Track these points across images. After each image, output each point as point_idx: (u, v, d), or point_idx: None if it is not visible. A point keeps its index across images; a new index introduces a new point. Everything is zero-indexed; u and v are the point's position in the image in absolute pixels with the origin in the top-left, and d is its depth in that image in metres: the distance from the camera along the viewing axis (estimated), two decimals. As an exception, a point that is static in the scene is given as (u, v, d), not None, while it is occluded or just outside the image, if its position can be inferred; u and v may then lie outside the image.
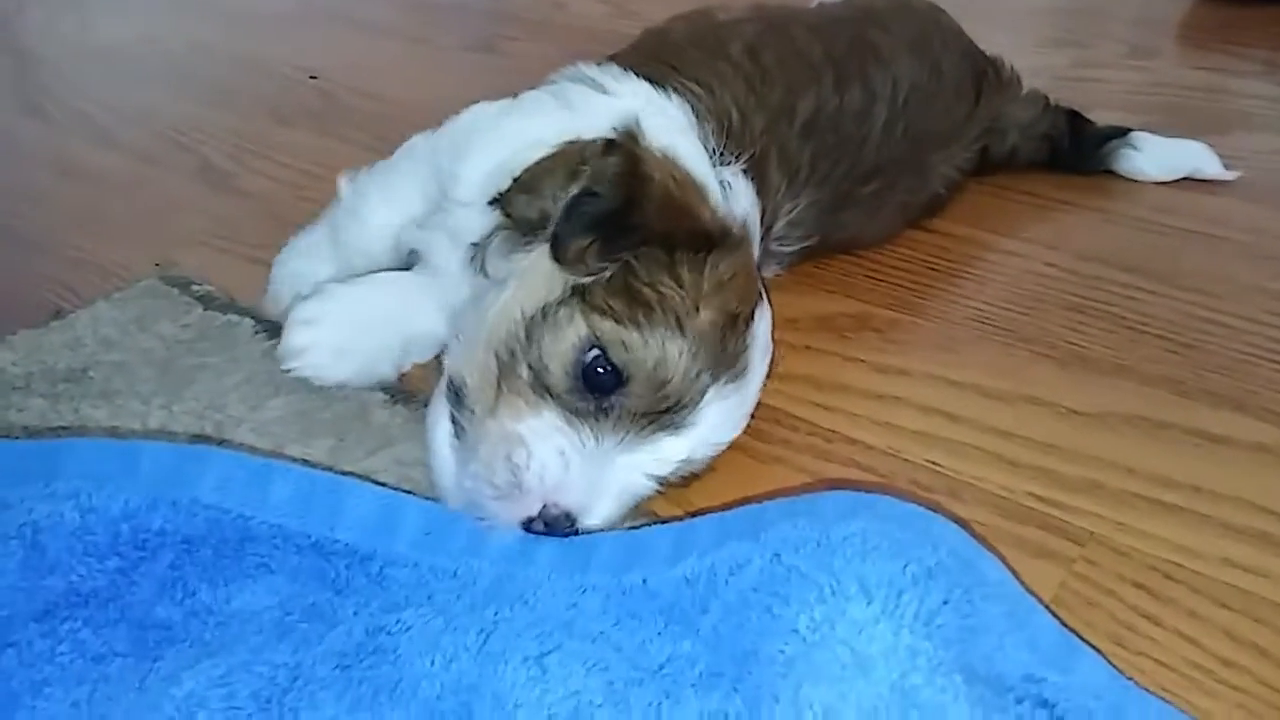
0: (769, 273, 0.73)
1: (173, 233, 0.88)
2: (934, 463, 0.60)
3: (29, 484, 0.48)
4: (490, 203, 0.57)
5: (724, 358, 0.53)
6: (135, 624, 0.46)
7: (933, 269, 0.80)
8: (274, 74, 1.24)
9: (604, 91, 0.65)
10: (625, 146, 0.56)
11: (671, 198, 0.55)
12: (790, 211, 0.71)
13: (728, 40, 0.72)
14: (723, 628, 0.45)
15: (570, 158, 0.57)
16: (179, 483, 0.49)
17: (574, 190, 0.55)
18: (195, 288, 0.78)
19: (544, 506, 0.50)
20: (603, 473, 0.51)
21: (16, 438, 0.60)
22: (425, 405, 0.58)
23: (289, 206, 0.90)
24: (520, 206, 0.57)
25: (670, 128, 0.61)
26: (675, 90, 0.65)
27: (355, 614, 0.47)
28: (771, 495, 0.53)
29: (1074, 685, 0.43)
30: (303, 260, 0.72)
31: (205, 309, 0.76)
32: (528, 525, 0.50)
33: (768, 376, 0.57)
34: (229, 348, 0.71)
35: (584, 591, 0.49)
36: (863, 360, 0.69)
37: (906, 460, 0.60)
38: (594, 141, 0.57)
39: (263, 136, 1.07)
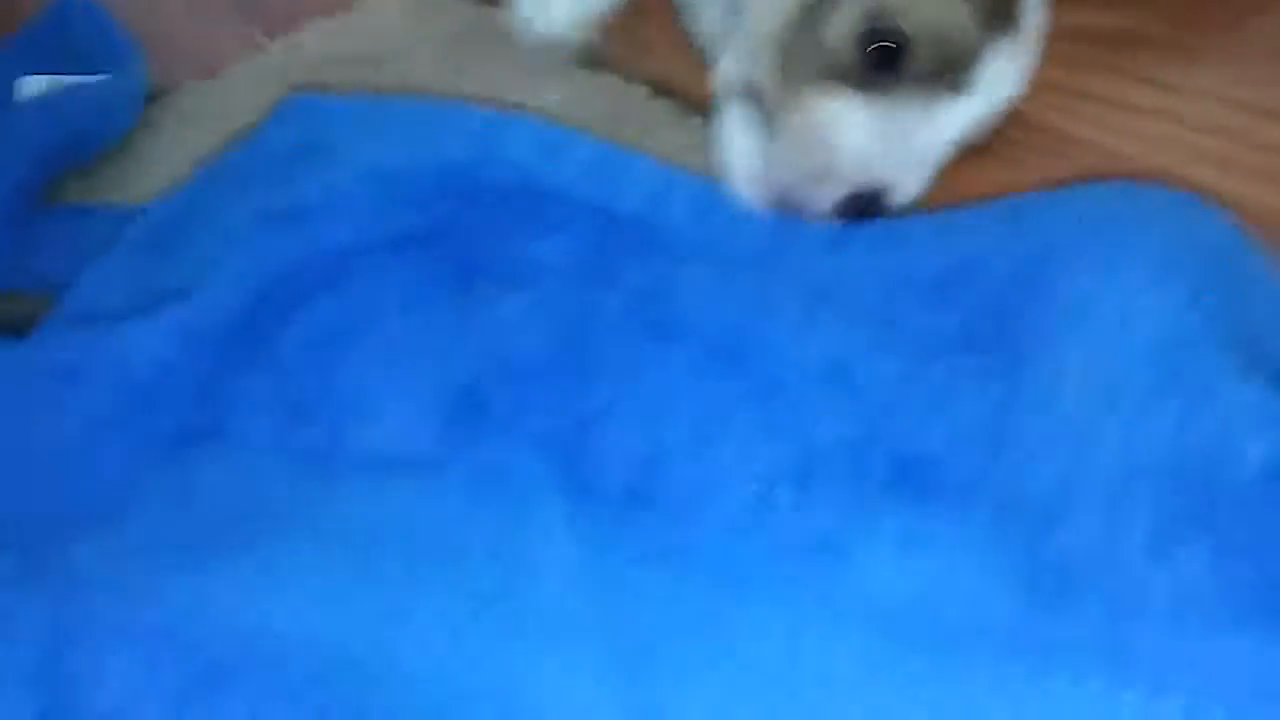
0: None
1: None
2: (1206, 184, 0.58)
3: (373, 133, 0.55)
4: None
5: (999, 9, 0.53)
6: (457, 261, 0.54)
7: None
8: None
9: None
10: None
11: None
12: None
13: None
14: (983, 305, 0.48)
15: None
16: (497, 142, 0.55)
17: None
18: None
19: (857, 185, 0.52)
20: (905, 144, 0.52)
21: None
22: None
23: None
24: None
25: None
26: None
27: (640, 268, 0.53)
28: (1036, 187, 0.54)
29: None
30: None
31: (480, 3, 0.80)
32: (843, 209, 0.53)
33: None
34: (497, 42, 0.75)
35: (844, 269, 0.53)
36: (1133, 75, 0.66)
37: (1176, 176, 0.59)
38: None
39: None
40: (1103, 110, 0.64)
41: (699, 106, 0.63)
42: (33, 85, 0.75)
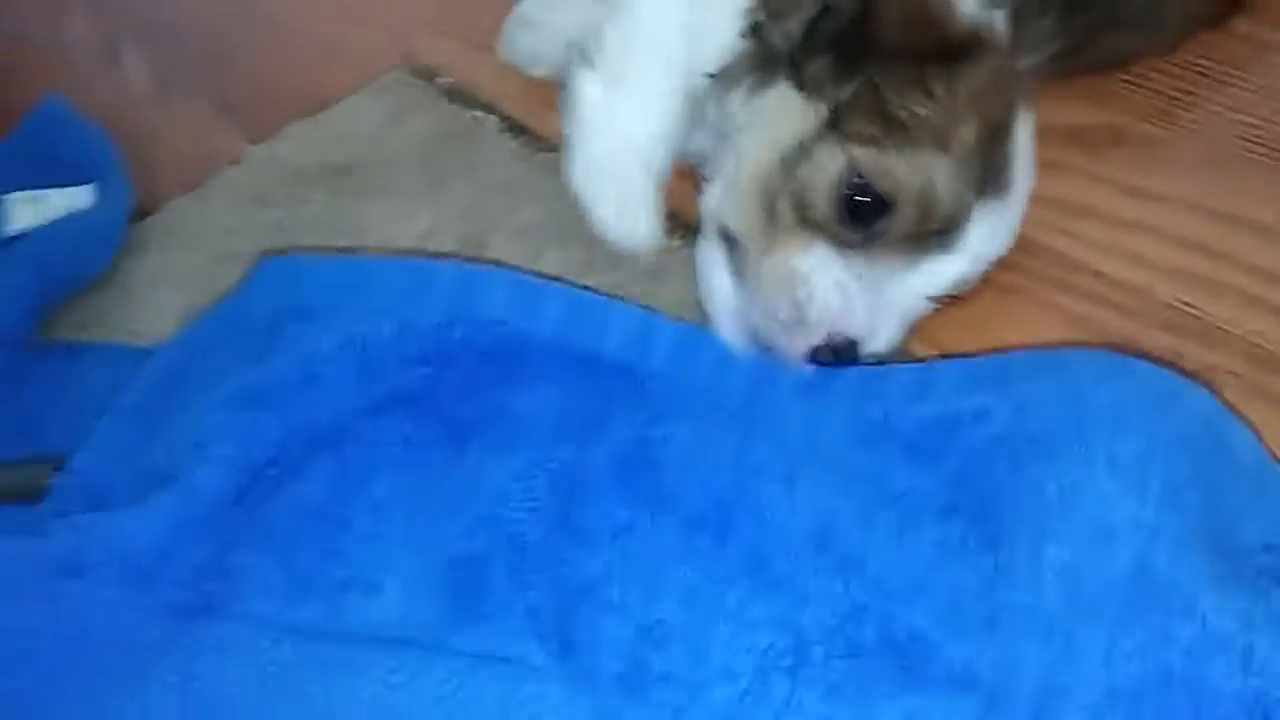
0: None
1: (411, 17, 0.91)
2: (1186, 303, 0.59)
3: (350, 297, 0.55)
4: (743, 33, 0.57)
5: (989, 171, 0.53)
6: (444, 419, 0.54)
7: (1202, 73, 0.73)
8: None
9: None
10: None
11: (911, 6, 0.53)
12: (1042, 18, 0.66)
13: None
14: (964, 471, 0.49)
15: None
16: (471, 300, 0.55)
17: (813, 10, 0.54)
18: (440, 80, 0.82)
19: (828, 335, 0.52)
20: (880, 298, 0.53)
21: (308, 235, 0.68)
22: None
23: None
24: (769, 33, 0.56)
25: None
26: None
27: (624, 421, 0.53)
28: (1019, 342, 0.54)
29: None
30: (600, 164, 0.64)
31: (450, 103, 0.80)
32: (814, 355, 0.53)
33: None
34: (478, 146, 0.75)
35: (824, 418, 0.53)
36: (1114, 180, 0.66)
37: (1155, 298, 0.59)
38: None
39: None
40: (1081, 222, 0.64)
41: (684, 223, 0.64)
42: (20, 203, 0.75)
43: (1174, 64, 0.74)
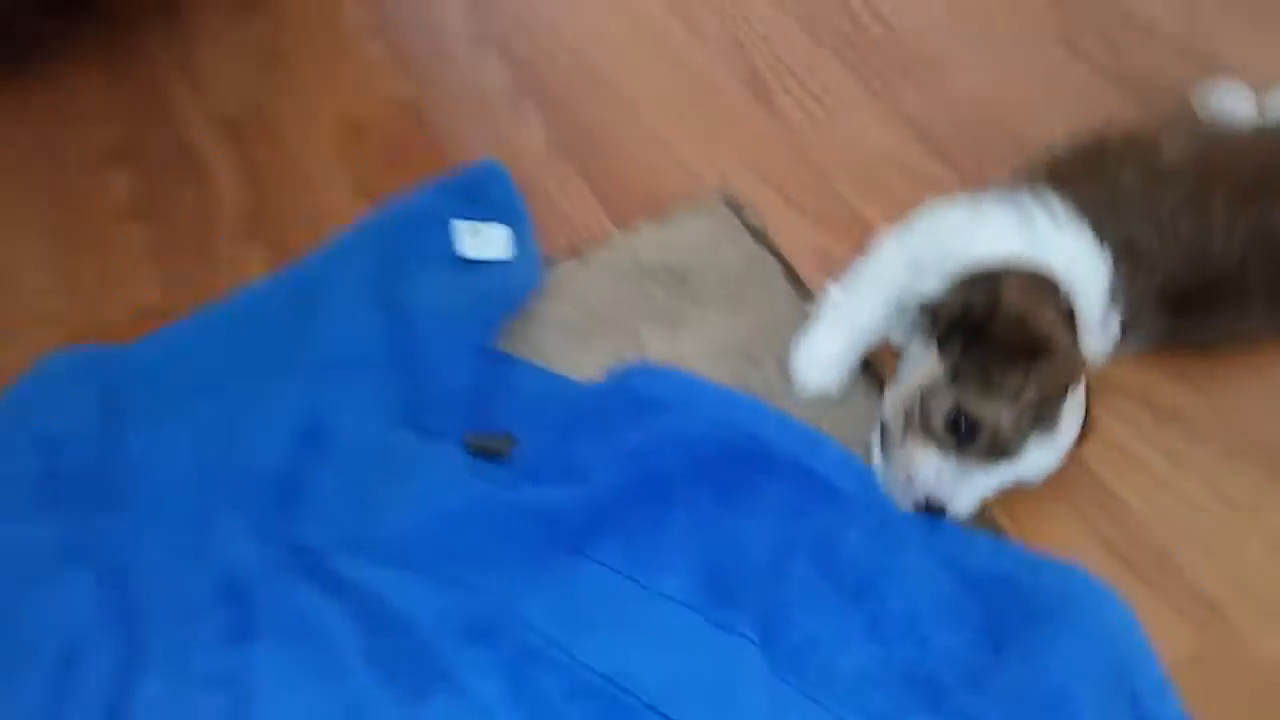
0: (1128, 350, 1.03)
1: (728, 143, 1.27)
2: (1201, 589, 0.92)
3: (690, 395, 0.96)
4: (925, 306, 0.93)
5: (1042, 421, 0.88)
6: (719, 487, 0.94)
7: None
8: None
9: (1057, 228, 0.94)
10: (1011, 278, 0.89)
11: (1020, 323, 0.87)
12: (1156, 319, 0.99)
13: (1163, 198, 0.97)
14: (988, 630, 0.86)
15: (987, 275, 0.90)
16: (744, 417, 0.95)
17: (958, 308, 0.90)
18: (748, 216, 1.20)
19: (928, 499, 0.91)
20: (961, 483, 0.90)
21: (648, 320, 1.08)
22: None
23: (817, 148, 1.26)
24: (935, 308, 0.92)
25: (1085, 280, 0.92)
26: (1108, 244, 0.93)
27: (844, 519, 0.92)
28: (1057, 538, 0.92)
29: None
30: (820, 344, 1.02)
31: (754, 240, 1.18)
32: (917, 508, 0.92)
33: (1082, 437, 0.92)
34: (765, 284, 1.13)
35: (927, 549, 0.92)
36: (1157, 444, 1.00)
37: (1178, 568, 0.92)
38: (1011, 265, 0.90)
39: (798, 51, 1.40)
40: (1129, 468, 0.99)
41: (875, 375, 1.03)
42: (465, 230, 1.17)
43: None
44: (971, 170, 1.21)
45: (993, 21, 1.41)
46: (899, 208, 1.07)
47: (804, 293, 1.11)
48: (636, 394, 0.97)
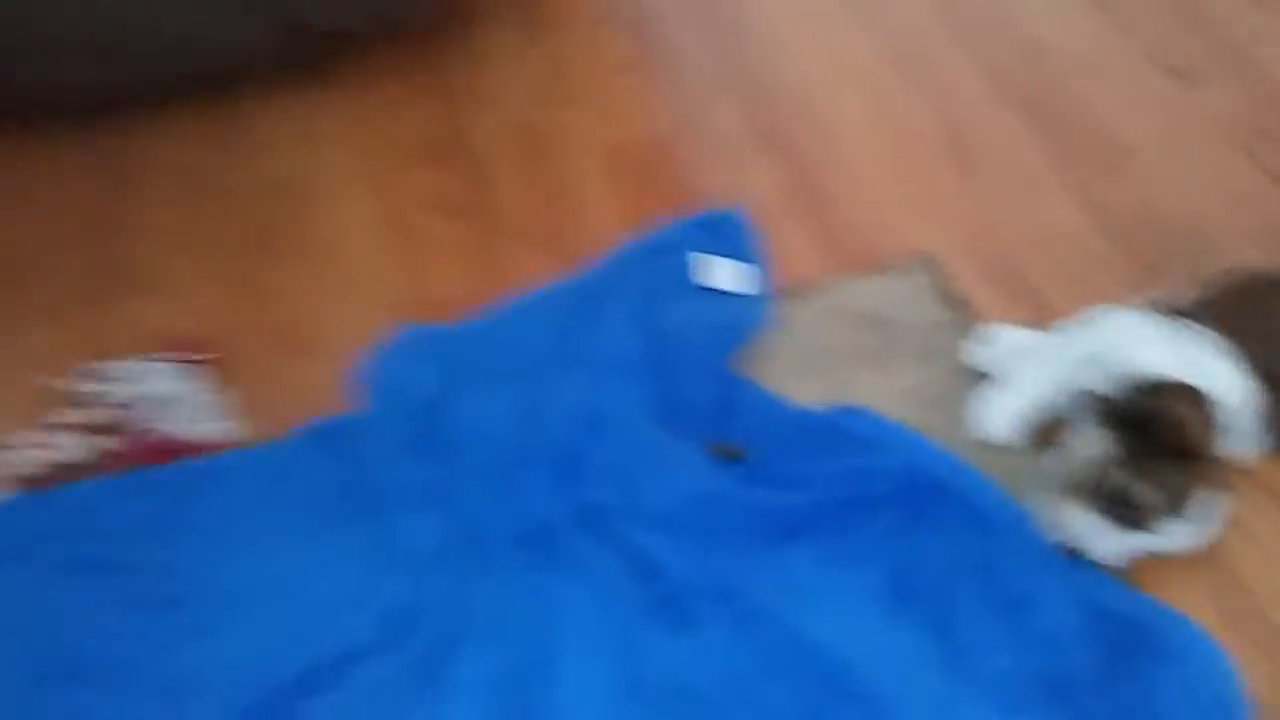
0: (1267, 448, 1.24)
1: (928, 204, 1.51)
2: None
3: (892, 437, 1.22)
4: (1099, 397, 1.16)
5: (1180, 504, 1.11)
6: (906, 511, 1.20)
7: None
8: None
9: (1214, 357, 1.16)
10: (1174, 390, 1.11)
11: (1179, 428, 1.09)
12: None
13: None
14: (1086, 666, 1.11)
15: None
16: (928, 459, 1.20)
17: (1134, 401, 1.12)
18: (944, 280, 1.43)
19: (1076, 546, 1.15)
20: (1106, 541, 1.14)
21: (852, 362, 1.34)
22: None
23: (1007, 218, 1.49)
24: (1115, 403, 1.15)
25: (1233, 400, 1.14)
26: (1258, 373, 1.15)
27: (1001, 549, 1.17)
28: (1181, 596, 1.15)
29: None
30: (1001, 402, 1.27)
31: (946, 303, 1.41)
32: (1067, 550, 1.16)
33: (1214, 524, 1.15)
34: (953, 341, 1.37)
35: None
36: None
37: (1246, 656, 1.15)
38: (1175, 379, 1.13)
39: (1000, 123, 1.61)
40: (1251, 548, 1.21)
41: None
42: (704, 262, 1.44)
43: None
44: (1147, 262, 1.42)
45: (1192, 128, 1.59)
46: (1074, 285, 1.32)
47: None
48: (849, 429, 1.24)
